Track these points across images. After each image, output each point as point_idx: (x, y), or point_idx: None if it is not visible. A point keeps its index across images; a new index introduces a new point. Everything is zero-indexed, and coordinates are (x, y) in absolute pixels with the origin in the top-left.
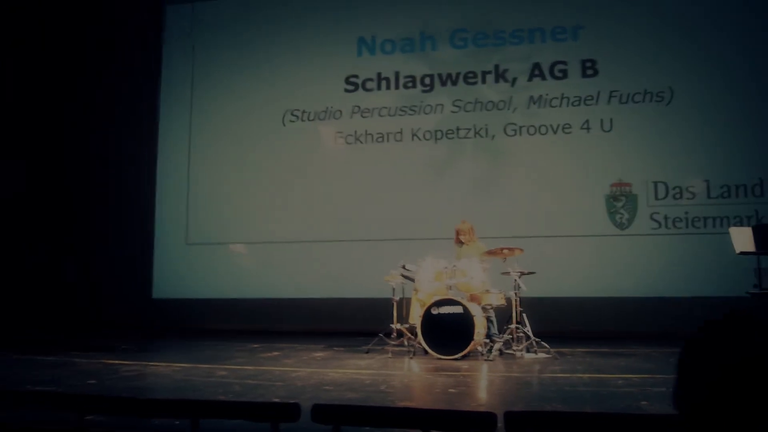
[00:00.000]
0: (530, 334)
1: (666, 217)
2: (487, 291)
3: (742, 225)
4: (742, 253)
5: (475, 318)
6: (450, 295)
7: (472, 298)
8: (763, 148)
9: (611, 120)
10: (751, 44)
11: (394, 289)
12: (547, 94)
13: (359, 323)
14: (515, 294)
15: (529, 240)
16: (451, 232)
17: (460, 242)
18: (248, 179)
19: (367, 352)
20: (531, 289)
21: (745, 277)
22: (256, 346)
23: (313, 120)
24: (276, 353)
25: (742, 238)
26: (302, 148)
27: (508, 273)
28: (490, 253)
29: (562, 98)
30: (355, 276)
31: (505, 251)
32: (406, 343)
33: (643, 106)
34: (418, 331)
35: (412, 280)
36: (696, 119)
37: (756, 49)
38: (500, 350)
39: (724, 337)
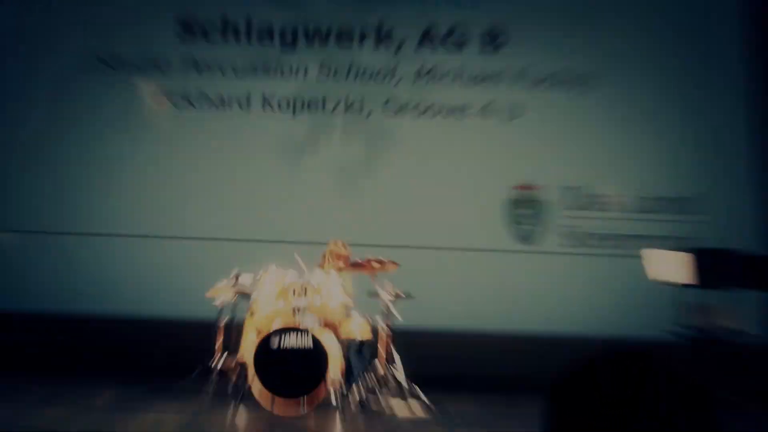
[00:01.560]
0: (402, 377)
1: (583, 232)
2: (348, 317)
3: (670, 246)
4: (665, 283)
5: (329, 353)
6: (296, 322)
7: (328, 326)
8: (699, 156)
9: (519, 105)
10: (697, 37)
11: (220, 309)
12: (440, 67)
13: (167, 355)
14: (384, 323)
15: (406, 252)
16: (307, 231)
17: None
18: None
19: (175, 397)
20: (406, 316)
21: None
22: None
23: (131, 71)
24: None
25: (666, 264)
26: (112, 107)
27: (376, 295)
28: (354, 266)
29: (460, 73)
30: (164, 287)
31: (375, 264)
32: (232, 385)
33: (560, 91)
34: (250, 369)
35: (248, 296)
36: (623, 113)
37: (700, 43)
38: (361, 400)
39: (592, 380)
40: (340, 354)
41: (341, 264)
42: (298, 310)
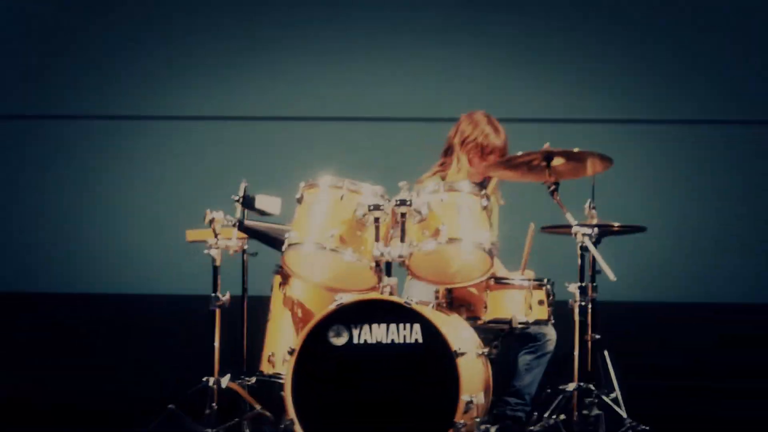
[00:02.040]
0: (620, 405)
1: None
2: (504, 280)
3: None
4: None
5: (460, 363)
6: (383, 293)
7: (458, 302)
8: None
9: None
10: None
11: (214, 271)
12: None
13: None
14: (583, 294)
15: None
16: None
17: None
18: None
19: None
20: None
21: None
22: None
23: None
24: None
25: None
26: None
27: (564, 230)
28: (515, 167)
29: None
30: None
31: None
32: (247, 427)
33: None
34: (288, 394)
35: (271, 240)
36: None
37: None
38: None
39: None
40: (484, 363)
41: (488, 163)
42: (385, 268)
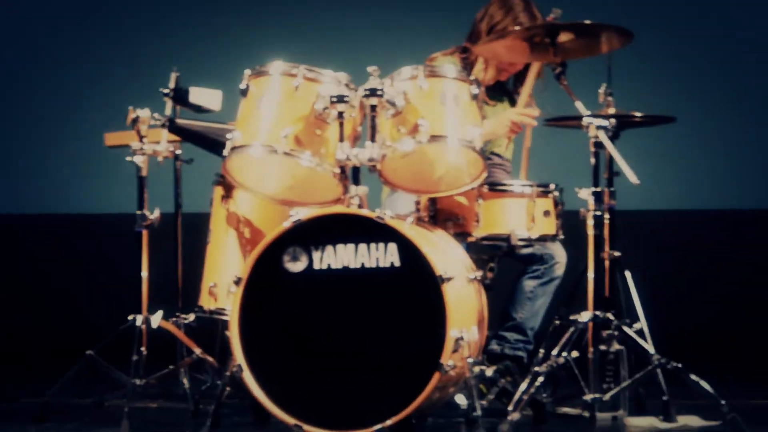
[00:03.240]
0: (646, 338)
1: None
2: (501, 186)
3: None
4: None
5: (447, 290)
6: (351, 207)
7: (444, 215)
8: None
9: None
10: None
11: (140, 179)
12: None
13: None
14: (599, 203)
15: None
16: None
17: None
18: None
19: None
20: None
21: None
22: None
23: None
24: None
25: None
26: None
27: (574, 123)
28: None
29: None
30: None
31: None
32: (184, 376)
33: None
34: (234, 334)
35: (210, 142)
36: None
37: None
38: (539, 401)
39: None
40: (477, 290)
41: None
42: (352, 175)
